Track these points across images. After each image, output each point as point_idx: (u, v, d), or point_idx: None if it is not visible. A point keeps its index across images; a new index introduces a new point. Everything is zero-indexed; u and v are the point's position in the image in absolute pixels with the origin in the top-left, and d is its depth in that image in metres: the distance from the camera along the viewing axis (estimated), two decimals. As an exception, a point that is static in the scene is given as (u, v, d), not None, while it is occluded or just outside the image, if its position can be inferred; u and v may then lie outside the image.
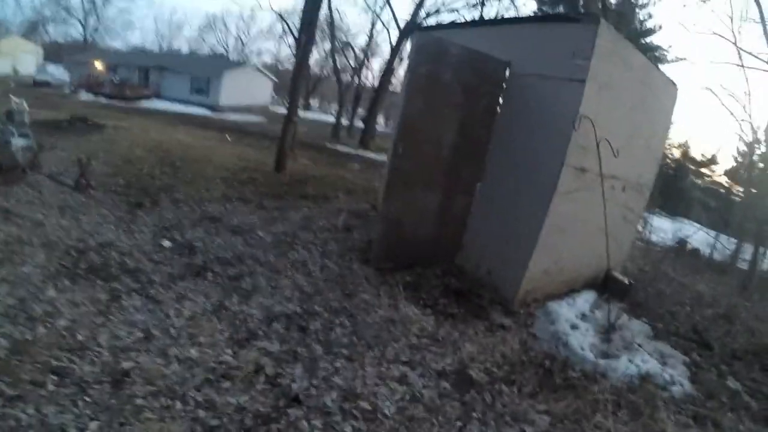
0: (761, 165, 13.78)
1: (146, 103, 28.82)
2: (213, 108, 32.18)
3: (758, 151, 14.00)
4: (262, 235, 5.53)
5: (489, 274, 5.19)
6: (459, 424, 2.98)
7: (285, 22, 31.74)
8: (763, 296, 8.29)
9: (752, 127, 13.79)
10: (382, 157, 18.61)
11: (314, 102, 51.35)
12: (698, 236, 11.44)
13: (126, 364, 2.82)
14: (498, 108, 5.23)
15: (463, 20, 18.97)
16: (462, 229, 5.58)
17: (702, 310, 6.60)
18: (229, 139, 16.26)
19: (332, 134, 27.18)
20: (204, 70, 34.77)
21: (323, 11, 21.01)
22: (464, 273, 5.40)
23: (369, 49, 30.80)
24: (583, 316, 5.18)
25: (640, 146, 5.77)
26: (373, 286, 4.69)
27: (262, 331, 3.48)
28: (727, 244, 11.50)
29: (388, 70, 24.71)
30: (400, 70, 26.60)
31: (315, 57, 32.17)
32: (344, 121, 30.85)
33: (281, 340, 3.42)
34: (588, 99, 4.49)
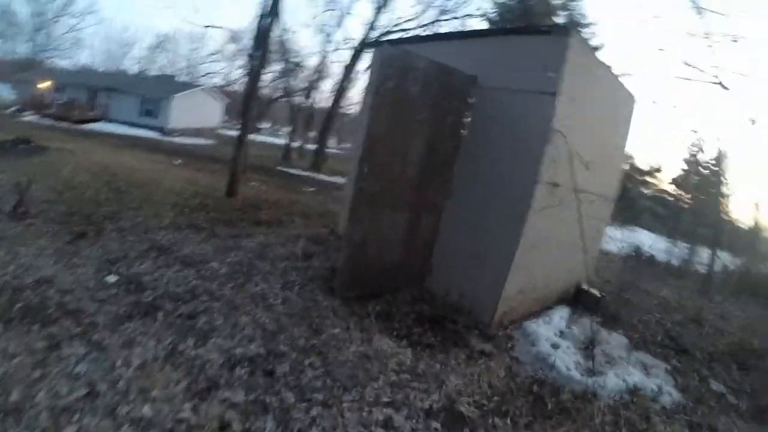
0: (707, 171, 14.26)
1: (93, 125, 27.32)
2: (162, 130, 31.01)
3: (702, 158, 14.53)
4: (217, 266, 4.97)
5: (462, 298, 4.85)
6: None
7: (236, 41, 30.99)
8: (724, 297, 8.34)
9: (698, 137, 14.29)
10: (336, 179, 18.26)
11: (265, 124, 50.19)
12: (651, 243, 11.60)
13: (68, 430, 2.32)
14: (465, 123, 4.95)
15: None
16: (430, 251, 5.24)
17: (671, 315, 6.56)
18: (178, 162, 15.51)
19: (284, 157, 26.48)
20: (154, 91, 33.45)
21: (276, 31, 20.62)
22: (435, 298, 5.04)
23: (321, 70, 30.30)
24: (562, 334, 4.97)
25: (605, 159, 5.65)
26: (341, 318, 4.25)
27: (224, 379, 2.98)
28: (677, 248, 11.69)
29: (340, 91, 24.38)
30: (352, 92, 26.42)
31: (266, 78, 31.45)
32: (295, 144, 30.24)
33: (246, 388, 2.93)
34: (559, 112, 4.29)
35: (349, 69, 23.29)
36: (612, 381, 4.05)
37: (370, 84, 6.23)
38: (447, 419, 3.08)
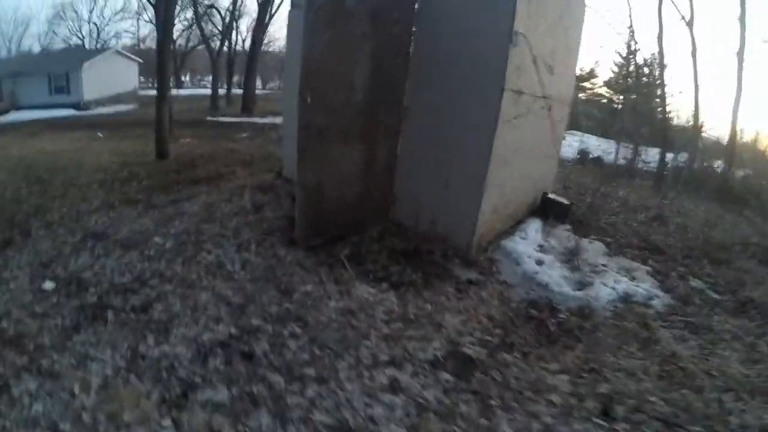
0: (642, 71, 14.25)
1: (2, 119, 24.39)
2: (78, 105, 28.38)
3: (638, 59, 14.37)
4: (161, 240, 4.28)
5: (434, 226, 4.41)
6: (484, 422, 2.28)
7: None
8: (676, 193, 8.32)
9: (633, 37, 14.10)
10: (270, 120, 17.24)
11: (186, 77, 46.58)
12: (594, 145, 11.51)
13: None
14: (412, 33, 4.32)
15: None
16: (391, 181, 4.72)
17: (635, 216, 6.42)
18: (100, 135, 14.07)
19: (211, 106, 24.67)
20: (61, 66, 30.32)
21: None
22: (404, 229, 4.58)
23: (236, 9, 27.80)
24: (541, 248, 4.68)
25: (562, 62, 5.17)
26: (310, 271, 3.72)
27: (199, 376, 2.45)
28: (620, 149, 11.64)
29: (259, 27, 22.54)
30: (271, 28, 24.57)
31: (179, 27, 28.80)
32: (221, 91, 28.19)
33: (227, 380, 2.42)
34: (520, 12, 3.73)
35: (267, 3, 21.42)
36: (602, 291, 3.79)
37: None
38: (455, 366, 2.71)
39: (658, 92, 12.74)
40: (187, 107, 22.62)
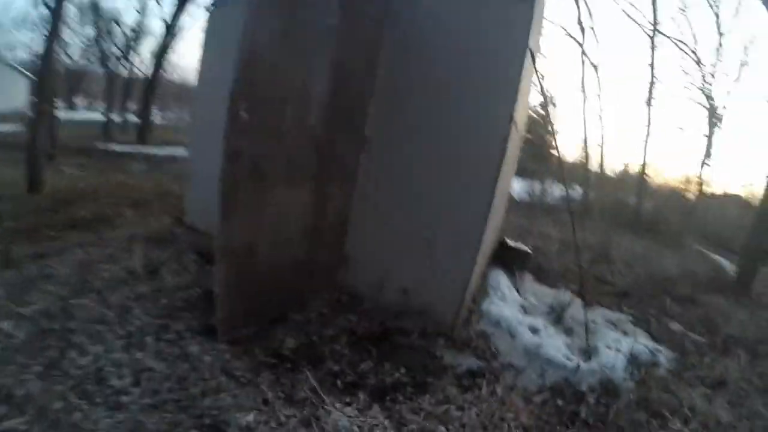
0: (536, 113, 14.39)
1: None
2: (-45, 119, 23.13)
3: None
4: (11, 328, 2.35)
5: (406, 295, 3.05)
6: None
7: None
8: (594, 227, 7.70)
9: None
10: (169, 152, 14.81)
11: (81, 101, 40.35)
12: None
13: None
14: (386, 39, 2.99)
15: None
16: (343, 237, 3.31)
17: (582, 257, 5.62)
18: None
19: (104, 133, 20.90)
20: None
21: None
22: (361, 299, 3.15)
23: (139, 29, 24.07)
24: (524, 308, 3.63)
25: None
26: (246, 383, 2.15)
27: None
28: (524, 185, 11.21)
29: (162, 52, 19.56)
30: (173, 54, 21.54)
31: (77, 46, 24.56)
32: (116, 117, 24.21)
33: None
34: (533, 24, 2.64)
35: (172, 26, 18.62)
36: (611, 358, 3.00)
37: None
38: None
39: (550, 131, 12.90)
40: (78, 132, 18.95)
